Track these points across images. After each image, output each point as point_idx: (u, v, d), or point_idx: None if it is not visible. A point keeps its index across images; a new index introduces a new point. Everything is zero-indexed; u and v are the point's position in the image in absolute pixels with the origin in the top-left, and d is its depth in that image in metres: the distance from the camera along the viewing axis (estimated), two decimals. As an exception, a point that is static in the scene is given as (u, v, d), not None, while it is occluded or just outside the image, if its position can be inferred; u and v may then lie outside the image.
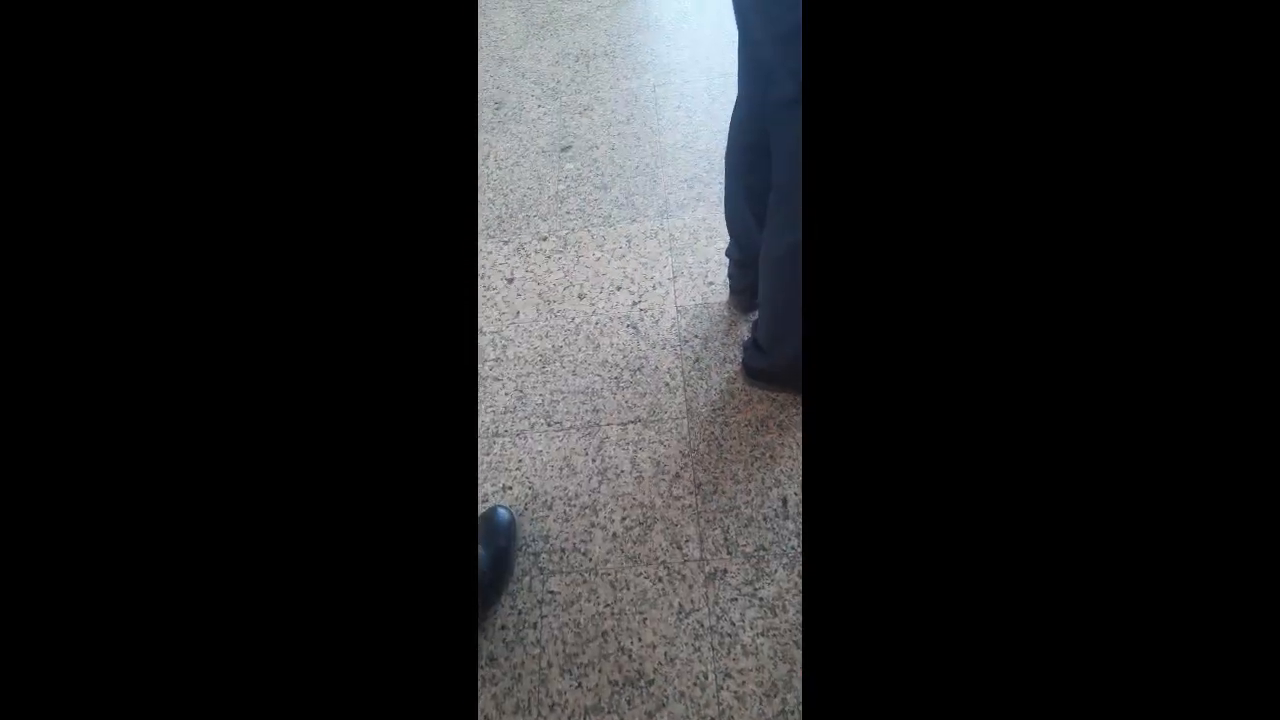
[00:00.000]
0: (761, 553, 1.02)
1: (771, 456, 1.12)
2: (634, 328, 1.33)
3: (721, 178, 1.58)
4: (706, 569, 1.01)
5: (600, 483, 1.12)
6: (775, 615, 0.96)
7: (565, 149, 1.72)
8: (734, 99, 1.00)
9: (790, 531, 1.03)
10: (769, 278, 1.01)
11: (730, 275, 1.28)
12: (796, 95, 0.71)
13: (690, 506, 1.08)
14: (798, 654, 0.92)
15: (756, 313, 1.30)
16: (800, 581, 0.98)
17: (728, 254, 1.25)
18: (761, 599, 0.97)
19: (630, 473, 1.12)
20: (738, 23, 0.83)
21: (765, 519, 1.05)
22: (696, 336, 1.29)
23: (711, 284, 1.37)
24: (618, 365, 1.27)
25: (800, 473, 1.09)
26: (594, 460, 1.14)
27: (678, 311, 1.34)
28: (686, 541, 1.04)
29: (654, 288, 1.38)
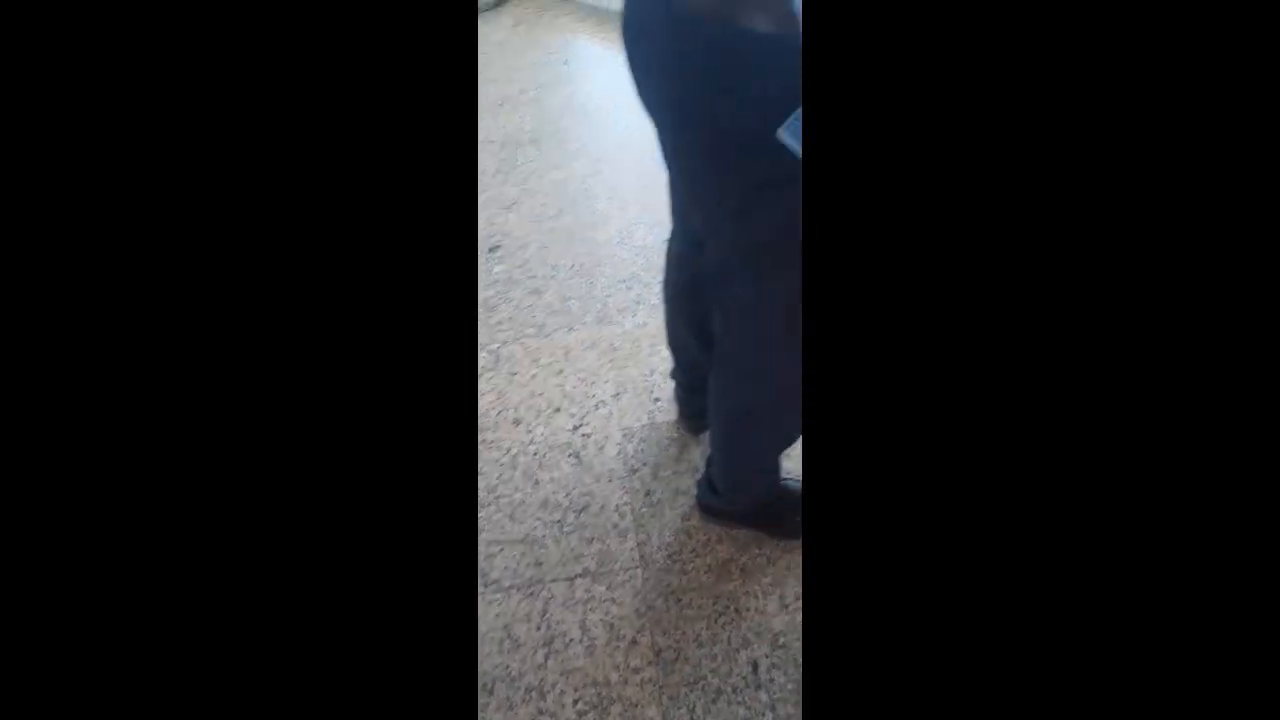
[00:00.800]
0: (734, 735, 0.90)
1: (736, 610, 1.01)
2: (576, 457, 1.21)
3: (660, 275, 1.52)
4: (674, 761, 0.89)
5: (547, 656, 0.98)
6: (755, 818, 0.84)
7: (493, 249, 1.62)
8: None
9: (764, 704, 0.92)
10: (721, 435, 0.92)
11: (678, 399, 1.19)
12: (727, 269, 0.64)
13: (651, 680, 0.95)
14: None
15: (707, 435, 1.22)
16: (779, 766, 0.87)
17: (673, 376, 1.17)
18: (738, 797, 0.86)
19: (580, 641, 0.99)
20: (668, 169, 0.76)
21: (735, 690, 0.94)
22: (645, 465, 1.19)
23: (658, 400, 1.28)
24: (560, 505, 1.15)
25: (768, 630, 0.99)
26: (539, 628, 1.01)
27: (623, 435, 1.23)
28: (649, 726, 0.92)
29: (596, 408, 1.28)
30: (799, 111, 0.41)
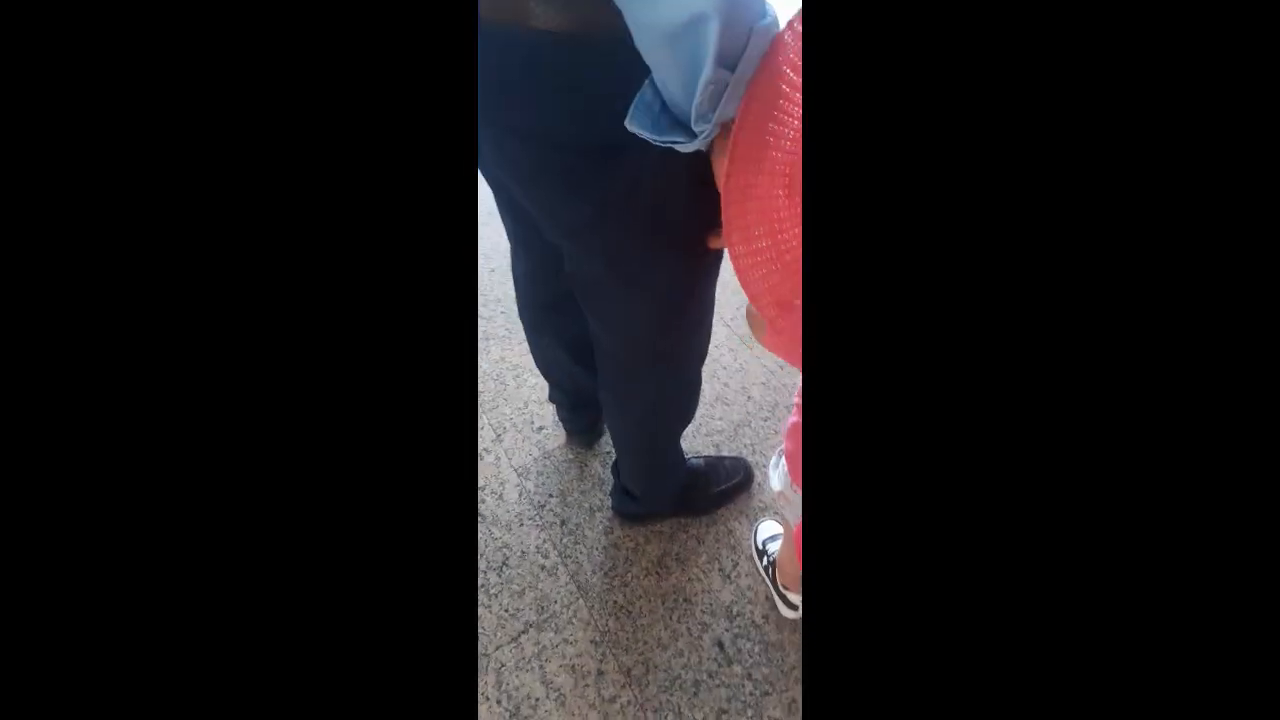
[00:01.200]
0: (724, 716, 0.91)
1: (685, 600, 1.03)
2: (480, 516, 1.14)
3: (502, 306, 1.46)
4: (678, 769, 0.88)
5: (519, 727, 0.92)
6: (769, 784, 0.86)
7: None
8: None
9: (739, 675, 0.95)
10: (628, 440, 0.92)
11: (563, 419, 1.17)
12: (595, 276, 0.63)
13: (630, 701, 0.93)
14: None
15: (605, 444, 1.21)
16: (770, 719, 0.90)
17: (551, 399, 1.14)
18: (748, 772, 0.87)
19: (548, 696, 0.94)
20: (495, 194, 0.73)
21: (710, 674, 0.95)
22: (551, 496, 1.16)
23: (542, 429, 1.24)
24: (479, 570, 1.08)
25: (720, 606, 1.01)
26: (499, 702, 0.94)
27: (519, 476, 1.18)
28: (644, 747, 0.90)
29: (481, 458, 1.21)
30: (637, 98, 0.41)
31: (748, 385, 1.29)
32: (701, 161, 0.52)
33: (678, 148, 0.41)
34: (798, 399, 0.60)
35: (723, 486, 1.10)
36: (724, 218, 0.41)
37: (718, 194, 0.58)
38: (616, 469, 1.05)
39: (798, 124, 0.36)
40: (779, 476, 0.69)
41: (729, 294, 1.43)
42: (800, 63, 0.36)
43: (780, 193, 0.38)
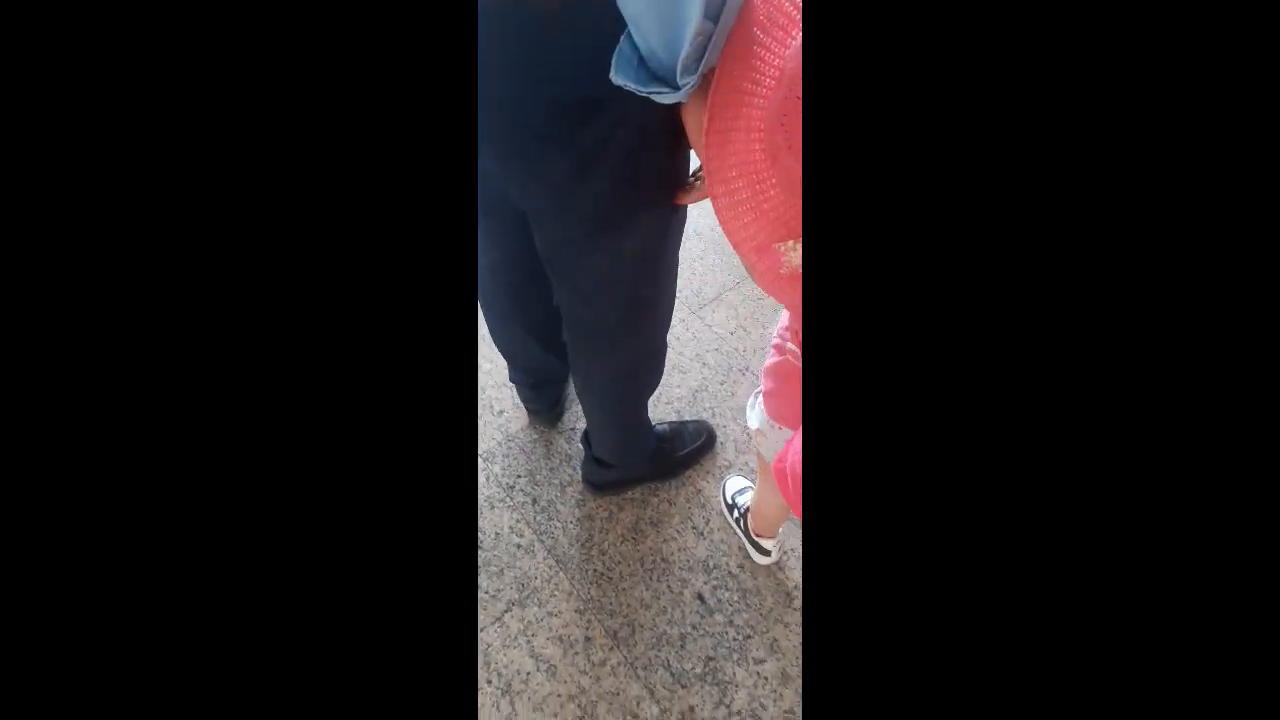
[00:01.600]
0: (711, 664, 0.95)
1: (663, 559, 1.05)
2: (447, 503, 1.13)
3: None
4: (674, 718, 0.91)
5: (512, 701, 0.93)
6: (760, 719, 0.90)
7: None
8: None
9: (722, 623, 0.99)
10: (601, 404, 0.93)
11: (525, 400, 1.17)
12: (571, 241, 0.64)
13: (621, 663, 0.95)
14: (798, 740, 0.88)
15: (571, 420, 1.22)
16: (756, 667, 0.94)
17: (512, 380, 1.14)
18: (739, 712, 0.91)
19: (538, 669, 0.95)
20: None
21: (694, 626, 0.98)
22: (519, 477, 1.16)
23: (502, 412, 1.24)
24: (454, 556, 1.07)
25: (697, 561, 1.05)
26: (490, 681, 0.94)
27: (485, 461, 1.18)
28: (638, 702, 0.92)
29: (444, 447, 1.20)
30: (616, 52, 0.42)
31: (701, 352, 1.33)
32: (675, 117, 0.55)
33: (659, 99, 0.43)
34: (775, 341, 0.63)
35: (689, 448, 1.13)
36: (705, 168, 0.43)
37: (688, 148, 0.61)
38: (587, 440, 1.06)
39: (772, 75, 0.38)
40: (756, 415, 0.72)
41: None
42: (770, 14, 0.38)
43: (756, 144, 0.39)
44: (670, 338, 1.36)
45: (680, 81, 0.40)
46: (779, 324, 0.63)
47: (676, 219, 0.68)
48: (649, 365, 0.89)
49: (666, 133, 0.54)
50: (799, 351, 0.59)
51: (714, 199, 0.43)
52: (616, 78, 0.42)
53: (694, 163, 0.62)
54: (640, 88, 0.42)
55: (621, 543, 1.07)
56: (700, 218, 1.58)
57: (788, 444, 0.59)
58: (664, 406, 1.24)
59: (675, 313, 1.41)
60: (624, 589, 1.02)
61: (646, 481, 1.12)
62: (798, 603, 1.00)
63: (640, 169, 0.57)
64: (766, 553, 1.02)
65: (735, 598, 1.01)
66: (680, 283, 1.49)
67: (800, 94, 0.35)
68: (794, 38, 0.37)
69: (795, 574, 1.03)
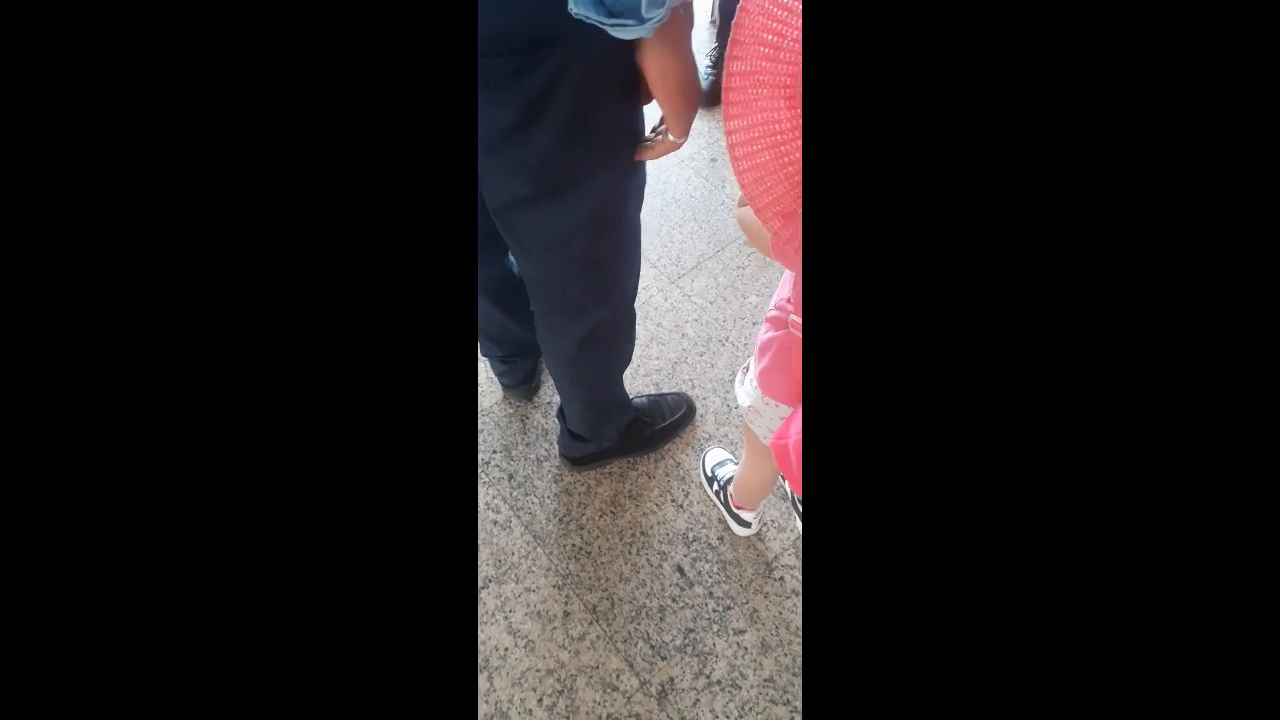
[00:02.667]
0: (691, 635, 0.95)
1: (642, 532, 1.04)
2: (421, 479, 1.11)
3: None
4: (653, 690, 0.91)
5: (490, 676, 0.92)
6: (739, 689, 0.91)
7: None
8: None
9: (701, 595, 0.98)
10: (570, 376, 0.91)
11: (497, 374, 1.14)
12: (519, 200, 0.61)
13: (600, 636, 0.95)
14: (780, 712, 0.89)
15: (546, 394, 1.19)
16: (736, 637, 0.95)
17: (485, 354, 1.11)
18: (719, 682, 0.91)
19: (516, 645, 0.94)
20: None
21: (674, 599, 0.98)
22: (495, 453, 1.13)
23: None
24: (429, 533, 1.05)
25: (676, 534, 1.04)
26: (468, 658, 0.93)
27: (459, 435, 1.15)
28: (618, 675, 0.92)
29: (416, 422, 1.17)
30: None
31: (681, 323, 1.31)
32: (627, 67, 0.51)
33: (621, 33, 0.39)
34: (772, 313, 0.60)
35: (668, 421, 1.11)
36: (726, 131, 0.40)
37: (640, 101, 0.57)
38: (562, 414, 1.04)
39: (796, 34, 0.36)
40: (747, 391, 0.70)
41: (652, 236, 1.43)
42: None
43: (781, 104, 0.37)
44: (649, 309, 1.34)
45: (646, 14, 0.37)
46: (776, 296, 0.61)
47: (635, 177, 0.64)
48: (615, 335, 0.86)
49: (620, 81, 0.50)
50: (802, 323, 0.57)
51: (735, 163, 0.41)
52: (576, 8, 0.39)
53: (651, 116, 0.59)
54: (602, 19, 0.39)
55: (600, 517, 1.06)
56: (679, 184, 1.54)
57: (787, 421, 0.57)
58: (642, 379, 1.22)
59: (653, 283, 1.38)
60: (603, 563, 1.01)
61: (626, 455, 1.10)
62: (777, 573, 1.00)
63: (589, 120, 0.53)
64: (746, 524, 1.02)
65: (715, 570, 1.01)
66: (658, 252, 1.47)
67: None
68: None
69: (774, 545, 1.03)
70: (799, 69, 0.35)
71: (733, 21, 0.37)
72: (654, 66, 0.44)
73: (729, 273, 1.38)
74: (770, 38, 0.37)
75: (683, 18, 0.45)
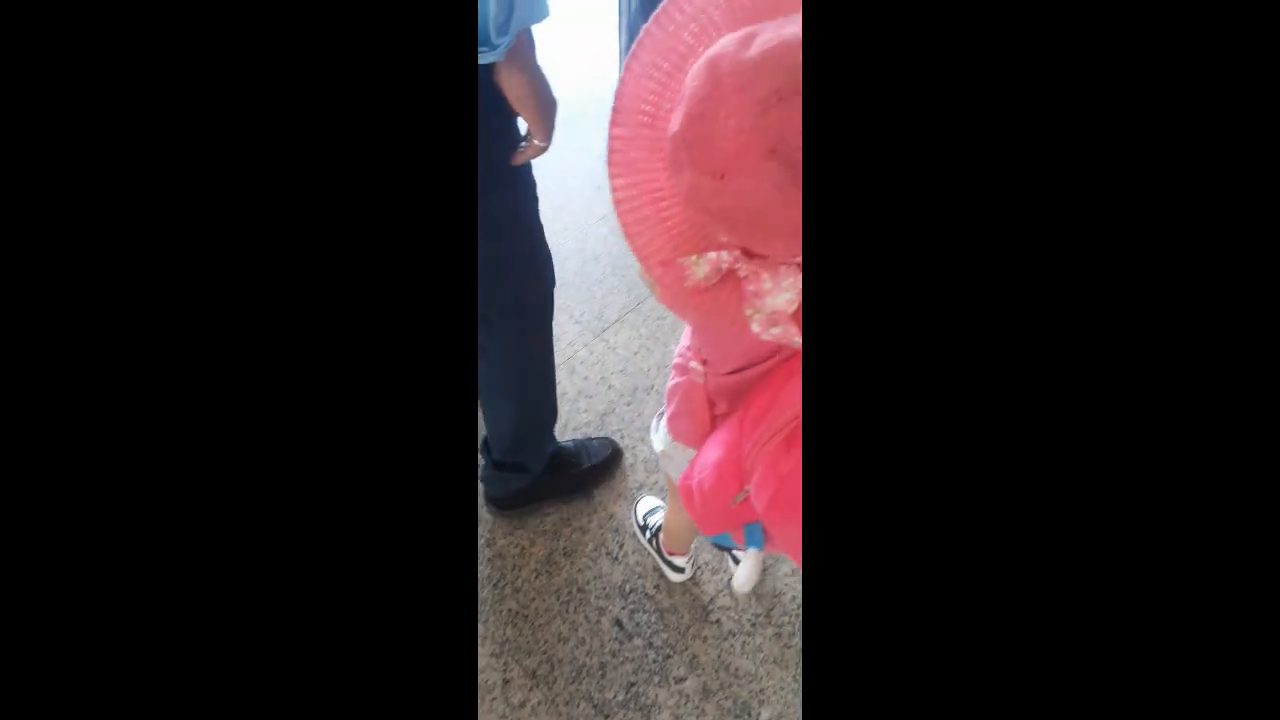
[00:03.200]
0: (633, 689, 0.94)
1: (579, 589, 1.04)
2: (345, 554, 1.06)
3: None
4: (598, 752, 0.89)
5: (427, 761, 0.88)
6: (684, 738, 0.91)
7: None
8: None
9: (641, 647, 0.99)
10: (497, 400, 0.92)
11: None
12: None
13: (541, 702, 0.93)
14: (723, 755, 0.90)
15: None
16: (677, 686, 0.95)
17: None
18: (663, 734, 0.91)
19: None
20: None
21: (613, 654, 0.98)
22: (424, 519, 1.11)
23: (402, 453, 1.18)
24: (355, 611, 1.00)
25: (613, 587, 1.04)
26: (402, 742, 0.89)
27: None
28: (561, 742, 0.90)
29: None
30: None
31: (606, 375, 1.34)
32: (493, 90, 0.57)
33: (480, 59, 0.45)
34: (677, 360, 0.64)
35: (594, 462, 1.13)
36: (612, 189, 0.44)
37: (510, 113, 0.64)
38: (486, 447, 1.04)
39: (670, 104, 0.40)
40: (661, 437, 0.73)
41: (574, 292, 1.47)
42: (668, 44, 0.41)
43: (658, 165, 0.42)
44: (574, 363, 1.36)
45: (496, 41, 0.43)
46: (680, 344, 0.65)
47: (520, 186, 0.72)
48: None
49: (491, 101, 0.57)
50: (701, 370, 0.61)
51: (621, 217, 0.45)
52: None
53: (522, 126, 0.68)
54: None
55: (536, 577, 1.05)
56: (597, 241, 1.60)
57: (692, 462, 0.60)
58: (572, 433, 1.23)
59: (578, 339, 1.41)
60: (540, 625, 1.00)
61: (555, 497, 1.10)
62: (714, 615, 1.02)
63: (481, 142, 0.59)
64: (680, 570, 1.04)
65: (653, 619, 1.01)
66: (581, 306, 1.50)
67: (699, 112, 0.37)
68: (689, 65, 0.40)
69: (710, 587, 1.05)
70: (674, 131, 0.40)
71: (615, 89, 0.43)
72: (512, 84, 0.50)
73: (650, 324, 1.44)
74: (647, 107, 0.42)
75: (525, 40, 0.52)
